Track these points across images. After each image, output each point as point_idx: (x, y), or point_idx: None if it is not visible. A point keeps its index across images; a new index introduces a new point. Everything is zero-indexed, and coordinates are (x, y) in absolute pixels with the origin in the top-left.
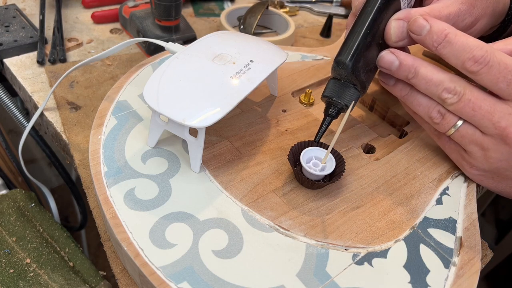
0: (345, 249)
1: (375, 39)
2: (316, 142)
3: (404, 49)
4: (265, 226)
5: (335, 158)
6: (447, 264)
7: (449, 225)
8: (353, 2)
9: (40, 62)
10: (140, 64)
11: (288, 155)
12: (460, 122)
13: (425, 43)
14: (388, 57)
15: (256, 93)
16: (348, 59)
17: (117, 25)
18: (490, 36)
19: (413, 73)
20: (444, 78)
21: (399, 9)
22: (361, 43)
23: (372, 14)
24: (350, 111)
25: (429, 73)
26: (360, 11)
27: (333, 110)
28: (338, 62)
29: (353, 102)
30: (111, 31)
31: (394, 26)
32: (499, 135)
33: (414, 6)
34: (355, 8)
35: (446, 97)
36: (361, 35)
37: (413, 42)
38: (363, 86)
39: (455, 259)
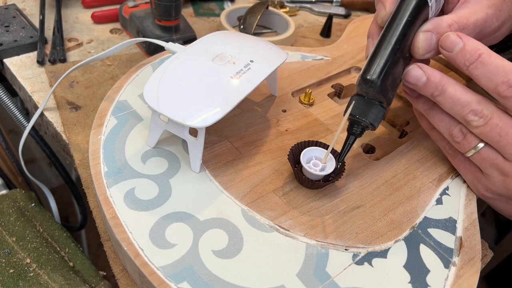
0: (345, 249)
1: (403, 53)
2: (339, 163)
3: (426, 61)
4: (265, 226)
5: (335, 158)
6: (447, 264)
7: (449, 225)
8: (378, 12)
9: (40, 62)
10: (140, 64)
11: (288, 155)
12: (481, 145)
13: (455, 61)
14: (415, 72)
15: (256, 93)
16: (376, 77)
17: (117, 25)
18: (509, 37)
19: (439, 90)
20: (471, 99)
21: (427, 18)
22: (389, 60)
23: (401, 28)
24: (349, 113)
25: (457, 92)
26: (388, 23)
27: (357, 129)
28: (366, 80)
29: (353, 103)
30: (111, 31)
31: (422, 39)
32: None
33: (440, 14)
34: (381, 19)
35: (472, 119)
36: (389, 51)
37: (439, 53)
38: (389, 102)
39: (455, 259)
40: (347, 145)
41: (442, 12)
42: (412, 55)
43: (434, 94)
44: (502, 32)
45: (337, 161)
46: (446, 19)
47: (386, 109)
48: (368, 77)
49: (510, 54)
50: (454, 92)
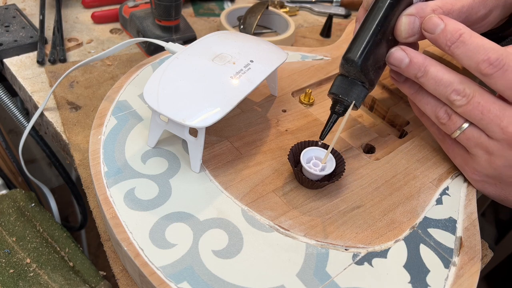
0: (345, 249)
1: (386, 35)
2: (321, 140)
3: (413, 45)
4: (265, 226)
5: (335, 158)
6: (447, 264)
7: (449, 225)
8: None
9: (40, 62)
10: (140, 64)
11: (288, 155)
12: (466, 125)
13: (438, 42)
14: (398, 54)
15: (256, 93)
16: (357, 56)
17: (117, 25)
18: (498, 28)
19: (422, 71)
20: (454, 79)
21: (411, 3)
22: (371, 41)
23: (383, 10)
24: (350, 111)
25: (439, 73)
26: (371, 6)
27: (339, 108)
28: (347, 59)
29: (353, 101)
30: (111, 31)
31: (405, 22)
32: (506, 140)
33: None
34: (366, 2)
35: (455, 99)
36: (371, 32)
37: (423, 38)
38: (371, 83)
39: (455, 259)
40: (330, 123)
41: None
42: (396, 39)
43: (418, 75)
44: (489, 21)
45: (320, 138)
46: (431, 4)
47: (368, 90)
48: (349, 57)
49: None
50: (437, 72)
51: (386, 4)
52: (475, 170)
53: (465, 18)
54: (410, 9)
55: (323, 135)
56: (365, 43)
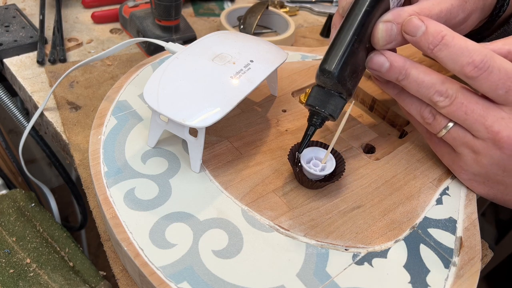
0: (345, 249)
1: (363, 43)
2: (299, 154)
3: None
4: (265, 226)
5: (335, 158)
6: (447, 264)
7: (449, 225)
8: (340, 2)
9: (40, 62)
10: (140, 64)
11: (288, 155)
12: (451, 124)
13: (419, 45)
14: (377, 58)
15: (256, 93)
16: (333, 67)
17: (117, 25)
18: (477, 30)
19: (403, 75)
20: (435, 81)
21: (387, 9)
22: (347, 50)
23: (359, 18)
24: (350, 111)
25: (420, 75)
26: (347, 13)
27: (317, 120)
28: (323, 71)
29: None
30: (111, 31)
31: (382, 29)
32: (492, 139)
33: (404, 5)
34: (342, 8)
35: (438, 100)
36: (347, 41)
37: (402, 43)
38: (349, 93)
39: (455, 259)
40: (307, 135)
41: (410, 3)
42: (373, 46)
43: (399, 78)
44: (468, 25)
45: (297, 152)
46: (408, 9)
47: (346, 100)
48: (325, 68)
49: None
50: (418, 74)
51: (362, 12)
52: (462, 168)
53: (443, 23)
54: (387, 16)
55: (301, 149)
56: (341, 53)
